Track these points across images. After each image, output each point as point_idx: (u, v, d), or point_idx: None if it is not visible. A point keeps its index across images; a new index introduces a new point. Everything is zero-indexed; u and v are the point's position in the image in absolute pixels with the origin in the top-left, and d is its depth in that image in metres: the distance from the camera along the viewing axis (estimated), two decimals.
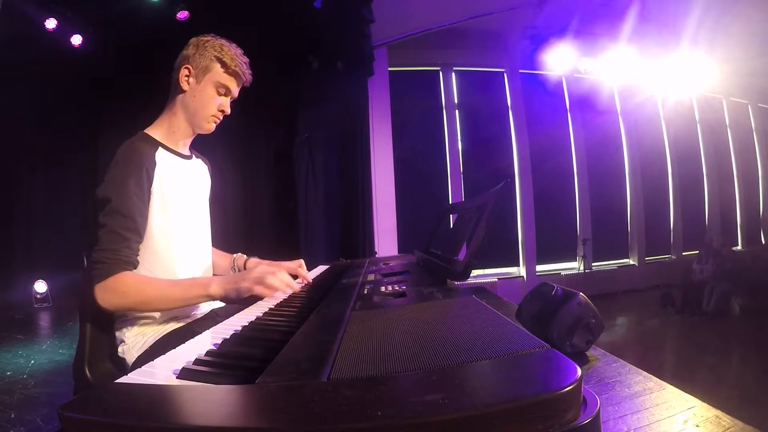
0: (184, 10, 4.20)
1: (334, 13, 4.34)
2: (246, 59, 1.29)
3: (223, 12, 4.22)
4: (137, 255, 1.11)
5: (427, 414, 0.35)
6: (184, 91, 1.24)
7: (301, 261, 1.38)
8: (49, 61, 4.53)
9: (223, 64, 1.24)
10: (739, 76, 7.10)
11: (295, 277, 1.33)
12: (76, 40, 4.43)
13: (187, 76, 1.23)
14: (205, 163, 1.46)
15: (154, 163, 1.18)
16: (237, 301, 1.11)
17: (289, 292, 1.14)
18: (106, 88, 4.91)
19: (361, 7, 4.46)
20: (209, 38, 1.26)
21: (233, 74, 1.26)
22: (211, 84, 1.24)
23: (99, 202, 1.10)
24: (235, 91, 1.30)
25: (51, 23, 4.20)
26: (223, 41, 1.27)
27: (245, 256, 1.56)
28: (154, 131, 1.26)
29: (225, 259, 1.56)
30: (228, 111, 1.30)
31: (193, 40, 1.26)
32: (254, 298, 1.14)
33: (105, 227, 1.07)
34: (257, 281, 1.07)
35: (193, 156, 1.38)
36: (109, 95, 4.99)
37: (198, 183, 1.38)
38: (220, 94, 1.27)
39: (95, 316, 1.23)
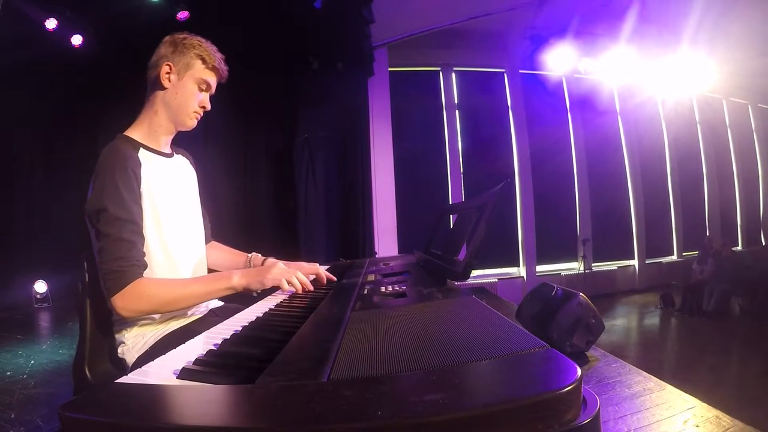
0: (184, 10, 4.20)
1: (334, 13, 4.34)
2: (221, 55, 1.32)
3: (223, 12, 4.21)
4: (145, 256, 1.11)
5: (427, 414, 0.35)
6: (165, 89, 1.25)
7: (317, 264, 1.40)
8: (49, 61, 4.53)
9: (203, 60, 1.26)
10: (739, 76, 7.10)
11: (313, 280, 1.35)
12: (76, 40, 4.43)
13: (168, 73, 1.24)
14: (187, 158, 1.45)
15: (139, 163, 1.17)
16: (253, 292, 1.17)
17: (303, 291, 1.19)
18: (106, 88, 4.90)
19: (361, 7, 4.46)
20: (185, 36, 1.28)
21: (213, 69, 1.28)
22: (192, 80, 1.26)
23: (93, 214, 1.08)
24: (214, 86, 1.32)
25: (51, 23, 4.20)
26: (200, 38, 1.29)
27: (260, 255, 1.56)
28: (134, 132, 1.26)
29: (240, 257, 1.56)
30: (208, 107, 1.32)
31: (167, 38, 1.28)
32: (257, 297, 1.17)
33: (109, 237, 1.05)
34: (283, 275, 1.14)
35: (174, 153, 1.38)
36: (110, 95, 4.97)
37: (183, 179, 1.37)
38: (201, 90, 1.29)
39: (95, 316, 1.23)
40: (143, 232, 1.13)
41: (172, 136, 1.34)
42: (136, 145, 1.22)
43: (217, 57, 1.29)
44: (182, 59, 1.24)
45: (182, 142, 1.41)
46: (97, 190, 1.09)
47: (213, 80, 1.30)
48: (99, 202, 1.07)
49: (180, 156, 1.41)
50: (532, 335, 0.54)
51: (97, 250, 1.07)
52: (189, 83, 1.26)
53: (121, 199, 1.08)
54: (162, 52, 1.26)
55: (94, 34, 4.46)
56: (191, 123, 1.30)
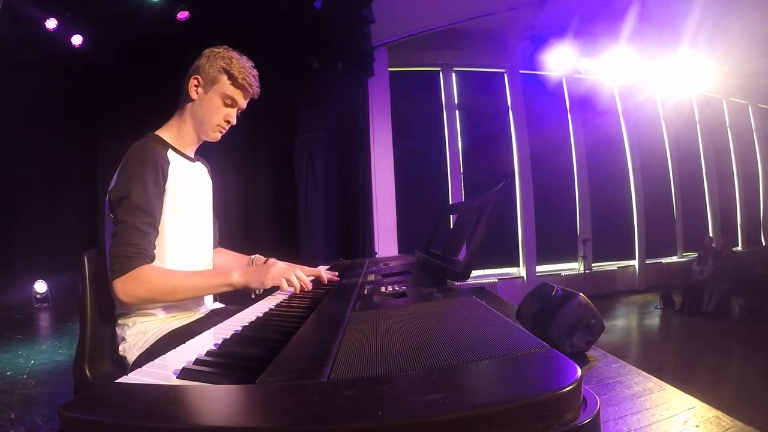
0: (185, 10, 4.20)
1: (334, 13, 4.34)
2: (255, 72, 1.31)
3: (223, 12, 4.22)
4: (155, 249, 1.13)
5: (427, 414, 0.35)
6: (192, 100, 1.28)
7: (321, 268, 1.41)
8: (49, 61, 4.53)
9: (230, 77, 1.26)
10: (739, 76, 7.10)
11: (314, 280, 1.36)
12: (76, 40, 4.43)
13: (196, 85, 1.27)
14: (205, 166, 1.48)
15: (168, 162, 1.21)
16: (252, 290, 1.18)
17: (304, 290, 1.20)
18: (106, 88, 4.91)
19: (361, 7, 4.46)
20: (221, 50, 1.29)
21: (240, 87, 1.28)
22: (217, 95, 1.27)
23: (116, 200, 1.11)
24: (242, 102, 1.32)
25: (51, 23, 4.20)
26: (234, 54, 1.29)
27: (263, 257, 1.57)
28: (164, 133, 1.29)
29: (242, 260, 1.58)
30: (234, 121, 1.33)
31: (206, 51, 1.29)
32: (257, 298, 1.18)
33: (125, 223, 1.08)
34: (282, 275, 1.15)
35: (196, 159, 1.41)
36: (109, 95, 4.99)
37: (203, 186, 1.41)
38: (226, 105, 1.29)
39: (96, 314, 1.23)
40: (159, 227, 1.16)
41: (197, 146, 1.37)
42: (166, 145, 1.26)
43: (246, 74, 1.27)
44: (210, 73, 1.26)
45: None
46: (124, 179, 1.12)
47: (240, 97, 1.30)
48: (124, 189, 1.10)
49: (199, 163, 1.44)
50: (532, 335, 0.54)
51: (111, 234, 1.10)
52: (214, 98, 1.27)
53: (146, 191, 1.11)
54: (196, 63, 1.28)
55: (94, 34, 4.46)
56: (215, 136, 1.32)
